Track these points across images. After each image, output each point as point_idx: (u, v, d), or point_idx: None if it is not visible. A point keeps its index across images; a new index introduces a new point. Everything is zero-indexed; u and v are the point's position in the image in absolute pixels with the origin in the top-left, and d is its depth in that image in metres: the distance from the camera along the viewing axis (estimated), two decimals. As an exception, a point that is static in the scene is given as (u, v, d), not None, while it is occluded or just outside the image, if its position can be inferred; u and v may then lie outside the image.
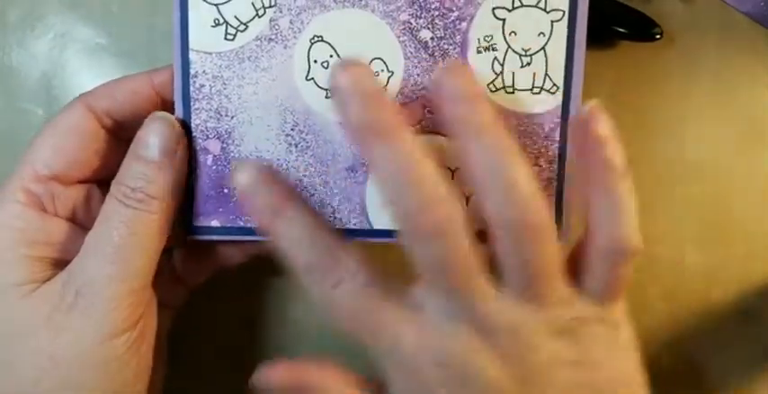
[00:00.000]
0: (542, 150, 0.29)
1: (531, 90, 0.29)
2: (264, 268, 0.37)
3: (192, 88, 0.29)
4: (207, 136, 0.29)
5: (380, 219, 0.30)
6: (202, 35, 0.29)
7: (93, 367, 0.27)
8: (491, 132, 0.25)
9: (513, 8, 0.28)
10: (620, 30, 0.36)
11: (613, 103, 0.38)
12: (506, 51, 0.29)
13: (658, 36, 0.36)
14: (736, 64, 0.38)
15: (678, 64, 0.38)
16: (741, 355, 0.39)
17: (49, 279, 0.28)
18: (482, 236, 0.25)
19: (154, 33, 0.36)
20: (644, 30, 0.36)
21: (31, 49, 0.37)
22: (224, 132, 0.29)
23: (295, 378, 0.26)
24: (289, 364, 0.27)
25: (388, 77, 0.29)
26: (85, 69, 0.37)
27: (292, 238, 0.26)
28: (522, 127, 0.29)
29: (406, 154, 0.24)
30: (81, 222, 0.30)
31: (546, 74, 0.29)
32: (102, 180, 0.30)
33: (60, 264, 0.28)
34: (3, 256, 0.27)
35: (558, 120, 0.29)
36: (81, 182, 0.30)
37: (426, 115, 0.29)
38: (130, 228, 0.27)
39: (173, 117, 0.29)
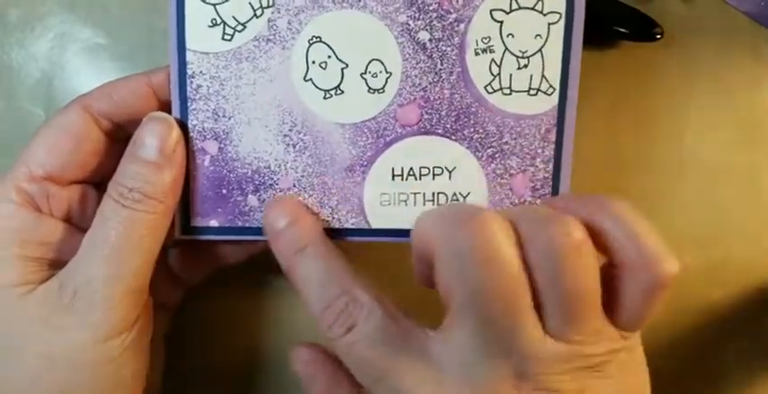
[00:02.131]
0: (538, 151, 0.29)
1: (528, 92, 0.29)
2: (264, 268, 0.37)
3: (189, 88, 0.29)
4: (204, 136, 0.30)
5: (378, 218, 0.30)
6: (199, 35, 0.29)
7: (89, 368, 0.27)
8: None
9: (511, 10, 0.28)
10: (621, 30, 0.36)
11: (614, 103, 0.38)
12: (504, 53, 0.29)
13: (659, 36, 0.36)
14: (736, 64, 0.38)
15: (678, 64, 0.38)
16: (741, 356, 0.39)
17: (45, 279, 0.28)
18: None
19: (153, 34, 0.36)
20: (644, 30, 0.36)
21: (31, 49, 0.37)
22: (221, 133, 0.29)
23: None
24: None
25: (387, 79, 0.29)
26: (85, 69, 0.37)
27: (308, 278, 0.27)
28: (519, 128, 0.29)
29: None
30: (76, 223, 0.30)
31: (543, 76, 0.29)
32: (97, 181, 0.30)
33: (56, 264, 0.28)
34: None
35: (555, 121, 0.29)
36: (76, 182, 0.30)
37: (424, 116, 0.29)
38: (128, 228, 0.27)
39: (171, 117, 0.29)
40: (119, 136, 0.30)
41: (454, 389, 0.24)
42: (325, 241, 0.28)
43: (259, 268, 0.37)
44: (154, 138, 0.28)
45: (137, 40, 0.37)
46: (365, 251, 0.37)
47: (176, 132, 0.29)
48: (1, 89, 0.37)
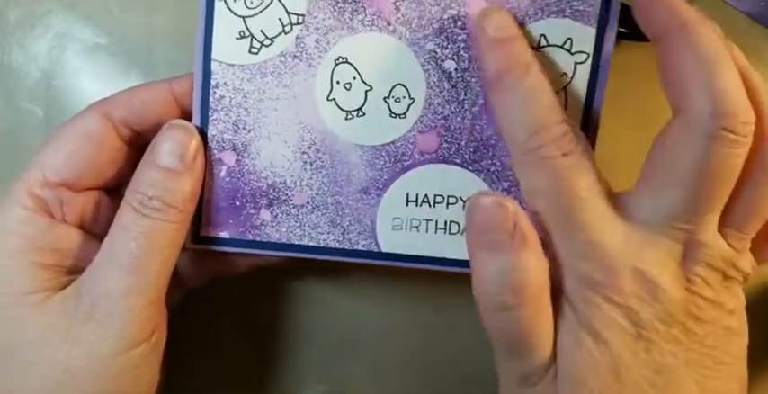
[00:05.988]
0: None
1: (549, 128, 0.29)
2: (268, 271, 0.37)
3: (211, 98, 0.29)
4: (222, 147, 0.29)
5: (389, 242, 0.30)
6: (226, 46, 0.29)
7: (108, 379, 0.27)
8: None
9: (539, 47, 0.28)
10: (621, 30, 0.35)
11: (614, 103, 0.38)
12: (528, 88, 0.29)
13: (659, 36, 0.36)
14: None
15: (678, 64, 0.38)
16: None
17: (61, 287, 0.27)
18: None
19: (153, 34, 0.36)
20: (644, 30, 0.36)
21: (31, 49, 0.36)
22: (240, 145, 0.29)
23: None
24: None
25: (409, 105, 0.29)
26: (85, 69, 0.36)
27: (527, 95, 0.26)
28: (536, 163, 0.29)
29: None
30: (89, 229, 0.29)
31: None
32: (111, 187, 0.30)
33: (71, 271, 0.28)
34: (10, 263, 0.27)
35: None
36: (90, 188, 0.30)
37: (443, 145, 0.29)
38: (149, 238, 0.27)
39: (191, 125, 0.29)
40: (137, 143, 0.30)
41: (636, 244, 0.25)
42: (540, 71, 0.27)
43: (265, 272, 0.37)
44: (173, 145, 0.28)
45: (137, 40, 0.36)
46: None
47: (197, 140, 0.28)
48: (1, 89, 0.36)
